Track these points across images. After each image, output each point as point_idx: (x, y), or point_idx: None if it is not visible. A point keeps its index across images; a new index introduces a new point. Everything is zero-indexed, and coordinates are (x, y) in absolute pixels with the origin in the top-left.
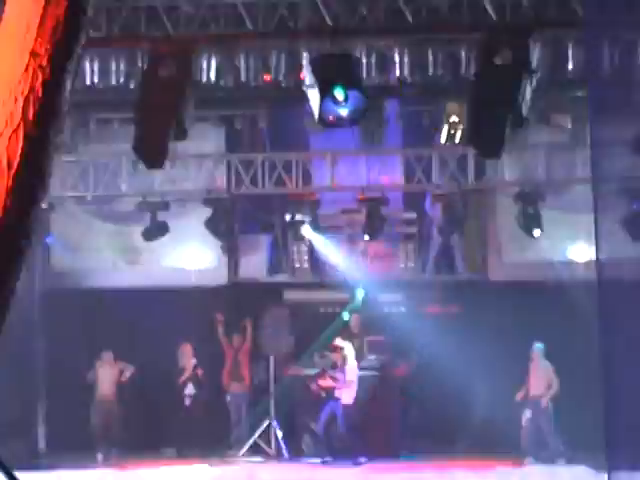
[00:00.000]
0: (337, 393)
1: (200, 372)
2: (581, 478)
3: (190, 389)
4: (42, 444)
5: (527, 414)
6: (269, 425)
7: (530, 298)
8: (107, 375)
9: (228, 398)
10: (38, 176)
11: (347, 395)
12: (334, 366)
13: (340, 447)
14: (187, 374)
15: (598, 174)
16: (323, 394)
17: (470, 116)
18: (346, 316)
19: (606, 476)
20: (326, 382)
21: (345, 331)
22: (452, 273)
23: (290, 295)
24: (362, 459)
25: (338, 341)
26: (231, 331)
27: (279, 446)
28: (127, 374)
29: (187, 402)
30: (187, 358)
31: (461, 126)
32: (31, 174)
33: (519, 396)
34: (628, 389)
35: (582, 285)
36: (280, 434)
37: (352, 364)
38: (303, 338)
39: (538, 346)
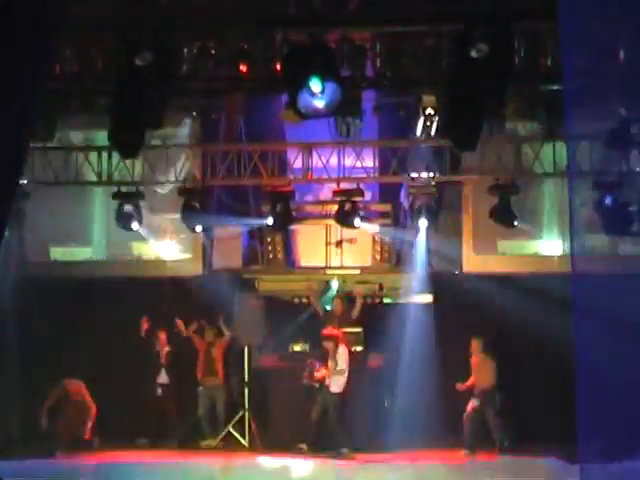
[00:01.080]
0: (327, 382)
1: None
2: (554, 470)
3: (163, 378)
4: (15, 435)
5: (472, 405)
6: (243, 416)
7: (503, 290)
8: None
9: (199, 390)
10: None
11: (336, 384)
12: (327, 355)
13: (331, 437)
14: (161, 361)
15: (572, 167)
16: (316, 385)
17: (446, 108)
18: (327, 305)
19: (578, 468)
20: (320, 373)
21: (331, 319)
22: (426, 265)
23: (265, 285)
24: (343, 450)
25: (329, 329)
26: (204, 325)
27: (253, 436)
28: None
29: (159, 391)
30: (162, 345)
31: (437, 118)
32: None
33: (460, 387)
34: (599, 381)
35: (555, 278)
36: (254, 425)
37: (343, 352)
38: (277, 328)
39: (476, 340)
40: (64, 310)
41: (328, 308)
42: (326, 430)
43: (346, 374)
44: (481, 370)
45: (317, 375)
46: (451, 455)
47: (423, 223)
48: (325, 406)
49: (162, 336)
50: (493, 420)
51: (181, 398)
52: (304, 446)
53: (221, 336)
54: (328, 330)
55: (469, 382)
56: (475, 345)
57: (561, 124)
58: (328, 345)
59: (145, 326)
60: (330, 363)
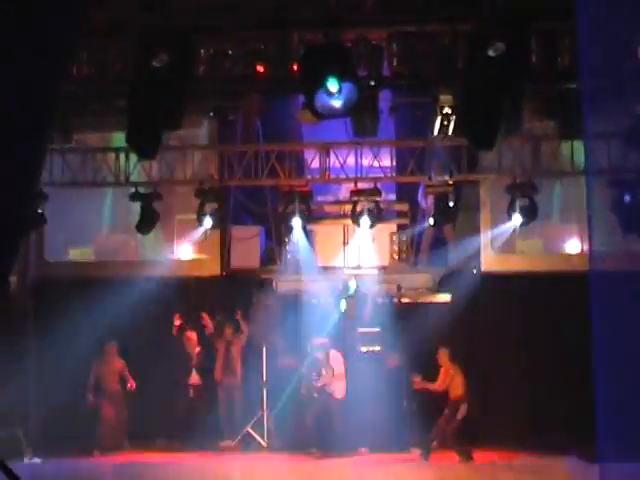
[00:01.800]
0: (328, 389)
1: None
2: (573, 469)
3: (195, 378)
4: (34, 436)
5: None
6: (261, 416)
7: (522, 289)
8: (110, 369)
9: (220, 391)
10: None
11: (339, 389)
12: (321, 363)
13: (337, 440)
14: (192, 362)
15: (591, 165)
16: (315, 395)
17: (463, 108)
18: (342, 306)
19: (597, 467)
20: (320, 382)
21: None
22: (444, 265)
23: (283, 286)
24: (362, 449)
25: (318, 339)
26: (223, 323)
27: (271, 437)
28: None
29: (191, 392)
30: (192, 346)
31: (454, 117)
32: None
33: (417, 385)
34: (617, 380)
35: (574, 276)
36: (272, 425)
37: (336, 356)
38: (295, 329)
39: (442, 350)
40: (84, 310)
41: (343, 309)
42: (330, 432)
43: (343, 378)
44: (450, 379)
45: (317, 385)
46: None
47: (441, 222)
48: (327, 411)
49: (193, 337)
50: (451, 428)
51: (212, 398)
52: (314, 450)
53: (239, 333)
54: (317, 340)
55: (432, 386)
56: (442, 355)
57: (579, 122)
58: (319, 354)
59: (177, 322)
60: (325, 370)
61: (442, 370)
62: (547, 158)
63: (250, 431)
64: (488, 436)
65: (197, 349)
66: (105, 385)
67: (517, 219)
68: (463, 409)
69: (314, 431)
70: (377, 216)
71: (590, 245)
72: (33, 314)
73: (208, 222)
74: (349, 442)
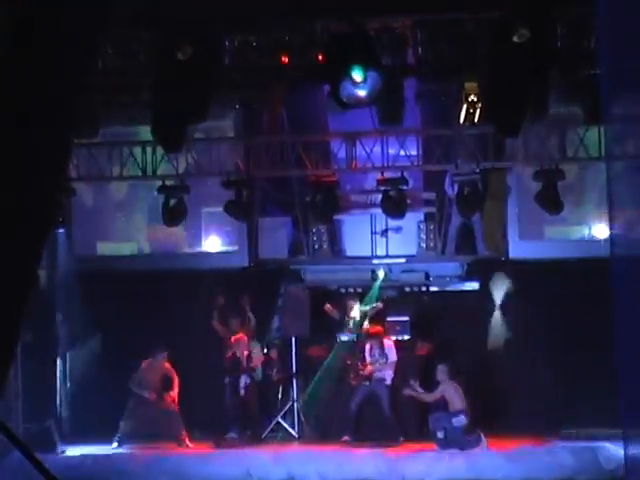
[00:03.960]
0: (379, 375)
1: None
2: (604, 454)
3: (245, 379)
4: (63, 430)
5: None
6: (292, 406)
7: (551, 277)
8: (154, 372)
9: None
10: None
11: (388, 377)
12: (371, 349)
13: (381, 429)
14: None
15: (612, 151)
16: (367, 383)
17: (488, 95)
18: (373, 299)
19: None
20: (367, 370)
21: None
22: (472, 253)
23: (310, 276)
24: (400, 439)
25: (374, 327)
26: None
27: (302, 427)
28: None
29: (242, 392)
30: (242, 348)
31: (480, 105)
32: None
33: (410, 393)
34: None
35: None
36: (303, 415)
37: (390, 345)
38: (324, 319)
39: (441, 368)
40: (110, 305)
41: (373, 303)
42: (371, 421)
43: (393, 366)
44: (450, 395)
45: (364, 373)
46: (499, 441)
47: (468, 210)
48: (374, 398)
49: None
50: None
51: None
52: (347, 438)
53: (248, 324)
54: (373, 327)
55: (423, 397)
56: (441, 372)
57: (605, 108)
58: (374, 342)
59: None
60: (377, 358)
61: (440, 388)
62: (573, 144)
63: (280, 421)
64: (517, 423)
65: (246, 352)
66: (147, 383)
67: (544, 206)
68: (462, 420)
69: (354, 419)
70: (404, 205)
71: (611, 230)
72: (62, 309)
73: (235, 214)
74: (390, 431)
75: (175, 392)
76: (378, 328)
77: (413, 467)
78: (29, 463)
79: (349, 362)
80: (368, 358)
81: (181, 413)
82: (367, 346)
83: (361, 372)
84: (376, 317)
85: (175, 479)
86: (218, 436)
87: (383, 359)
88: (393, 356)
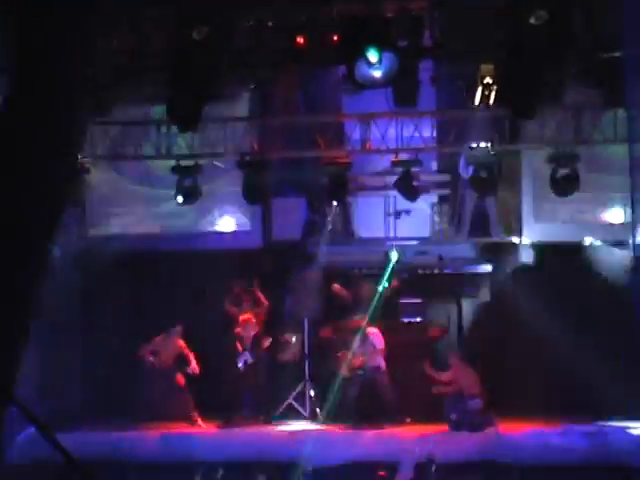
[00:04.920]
0: (372, 363)
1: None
2: (616, 438)
3: (246, 357)
4: (81, 407)
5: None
6: (304, 387)
7: (565, 259)
8: (167, 348)
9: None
10: None
11: (379, 363)
12: (361, 341)
13: (385, 414)
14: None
15: (634, 135)
16: (361, 372)
17: (504, 77)
18: (386, 280)
19: None
20: (358, 360)
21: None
22: (486, 235)
23: (323, 257)
24: (407, 419)
25: (353, 321)
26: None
27: (313, 409)
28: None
29: (241, 369)
30: (249, 329)
31: (495, 87)
32: None
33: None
34: None
35: (616, 247)
36: (314, 397)
37: (375, 333)
38: (337, 300)
39: (453, 352)
40: (124, 284)
41: (386, 284)
42: (372, 409)
43: (383, 352)
44: (464, 380)
45: (356, 364)
46: (512, 424)
47: (482, 193)
48: (371, 386)
49: (251, 320)
50: None
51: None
52: (357, 421)
53: (259, 306)
54: (353, 322)
55: (439, 376)
56: (453, 358)
57: (622, 91)
58: (358, 336)
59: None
60: (366, 347)
61: (452, 371)
62: (589, 127)
63: (292, 402)
64: (531, 406)
65: (252, 332)
66: (159, 359)
67: (559, 189)
68: (477, 403)
69: (358, 405)
70: (418, 187)
71: (633, 213)
72: (77, 286)
73: (249, 194)
74: (394, 413)
75: (191, 368)
76: (358, 322)
77: (423, 448)
78: (45, 440)
79: (340, 354)
80: (357, 349)
81: (193, 392)
82: (357, 337)
83: (353, 364)
84: (389, 299)
85: (186, 458)
86: (229, 416)
87: (371, 347)
88: (380, 343)
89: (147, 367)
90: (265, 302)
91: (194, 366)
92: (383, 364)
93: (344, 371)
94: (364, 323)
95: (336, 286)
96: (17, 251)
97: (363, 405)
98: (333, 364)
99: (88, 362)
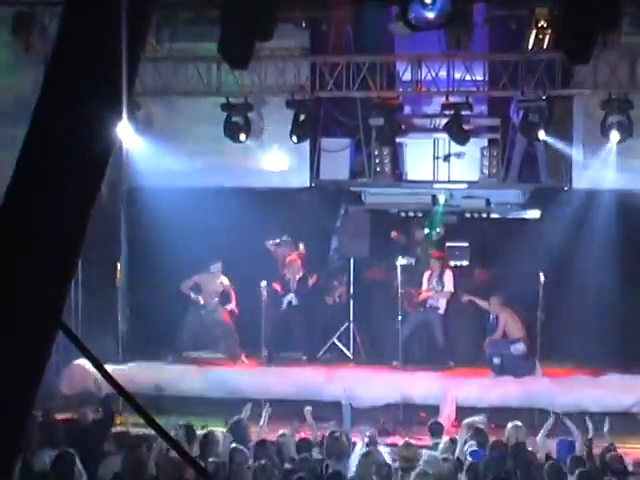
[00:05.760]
0: (433, 303)
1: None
2: None
3: (290, 299)
4: (123, 342)
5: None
6: (348, 327)
7: (615, 208)
8: (210, 285)
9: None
10: None
11: (441, 305)
12: (432, 277)
13: (431, 355)
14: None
15: None
16: (421, 309)
17: (559, 20)
18: (436, 224)
19: None
20: (421, 296)
21: (435, 241)
22: (535, 180)
23: (371, 199)
24: (451, 363)
25: (437, 252)
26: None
27: (357, 349)
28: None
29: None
30: (295, 270)
31: (549, 31)
32: None
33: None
34: None
35: None
36: (359, 337)
37: (449, 274)
38: (383, 242)
39: (495, 297)
40: (172, 219)
41: (437, 228)
42: (421, 347)
43: (449, 296)
44: (507, 324)
45: (418, 300)
46: (555, 370)
47: (532, 138)
48: (426, 325)
49: (297, 262)
50: None
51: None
52: (396, 363)
53: (296, 249)
54: (437, 252)
55: (483, 304)
56: (493, 302)
57: None
58: (435, 266)
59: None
60: (434, 285)
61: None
62: None
63: (336, 342)
64: (575, 353)
65: (298, 275)
66: (204, 295)
67: (611, 136)
68: (521, 348)
69: (405, 344)
70: (468, 130)
71: None
72: (125, 222)
73: (297, 133)
74: (439, 356)
75: (232, 306)
76: (442, 254)
77: (465, 391)
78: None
79: (403, 289)
80: (425, 285)
81: (237, 329)
82: (427, 272)
83: (414, 299)
84: (437, 243)
85: (230, 395)
86: (272, 355)
87: (440, 287)
88: (450, 286)
89: (191, 302)
90: (302, 249)
91: (233, 307)
92: (443, 308)
93: (405, 305)
94: (445, 257)
95: (394, 233)
96: (67, 186)
97: (411, 346)
98: (382, 304)
99: (133, 298)
